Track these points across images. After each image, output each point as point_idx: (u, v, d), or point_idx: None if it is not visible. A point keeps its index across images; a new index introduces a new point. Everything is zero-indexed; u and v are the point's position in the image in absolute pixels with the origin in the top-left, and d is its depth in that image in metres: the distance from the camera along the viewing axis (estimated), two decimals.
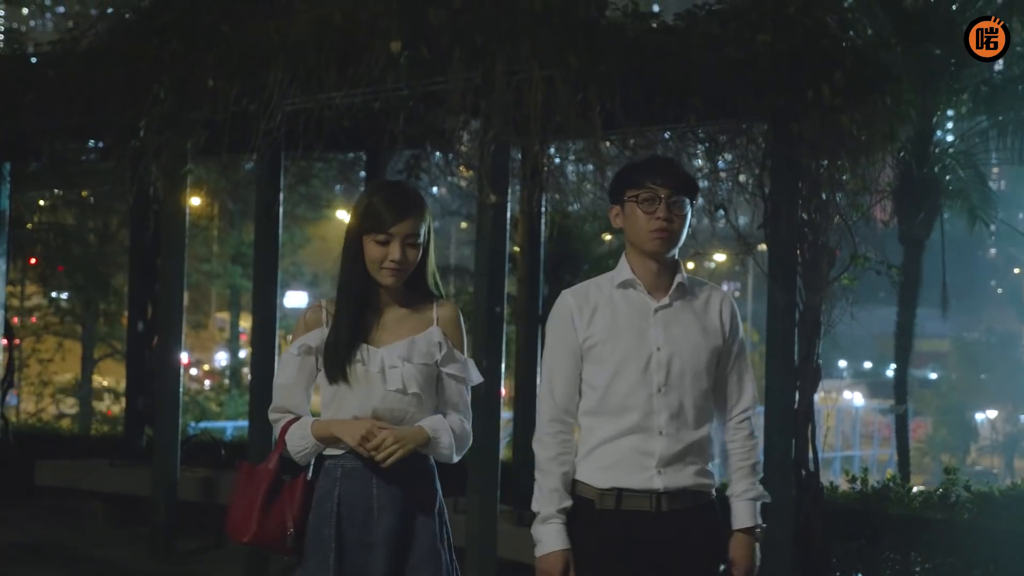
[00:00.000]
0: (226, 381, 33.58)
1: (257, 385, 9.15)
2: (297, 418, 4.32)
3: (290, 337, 4.49)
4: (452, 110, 7.90)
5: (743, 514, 4.33)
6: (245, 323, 30.55)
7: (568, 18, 7.62)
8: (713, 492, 4.30)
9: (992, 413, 50.47)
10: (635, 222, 4.23)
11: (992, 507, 8.51)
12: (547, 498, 4.23)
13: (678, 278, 4.29)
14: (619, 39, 7.68)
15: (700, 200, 4.54)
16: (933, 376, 53.78)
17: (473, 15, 7.62)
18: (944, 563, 7.94)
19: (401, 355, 4.27)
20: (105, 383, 26.46)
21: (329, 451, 4.27)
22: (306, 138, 8.44)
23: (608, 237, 21.91)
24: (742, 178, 8.46)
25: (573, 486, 4.25)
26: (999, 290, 61.24)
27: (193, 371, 40.46)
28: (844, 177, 7.80)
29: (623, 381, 4.21)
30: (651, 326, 4.24)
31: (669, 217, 4.19)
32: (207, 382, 38.36)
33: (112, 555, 9.96)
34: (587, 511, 4.22)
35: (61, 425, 18.27)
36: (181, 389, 9.90)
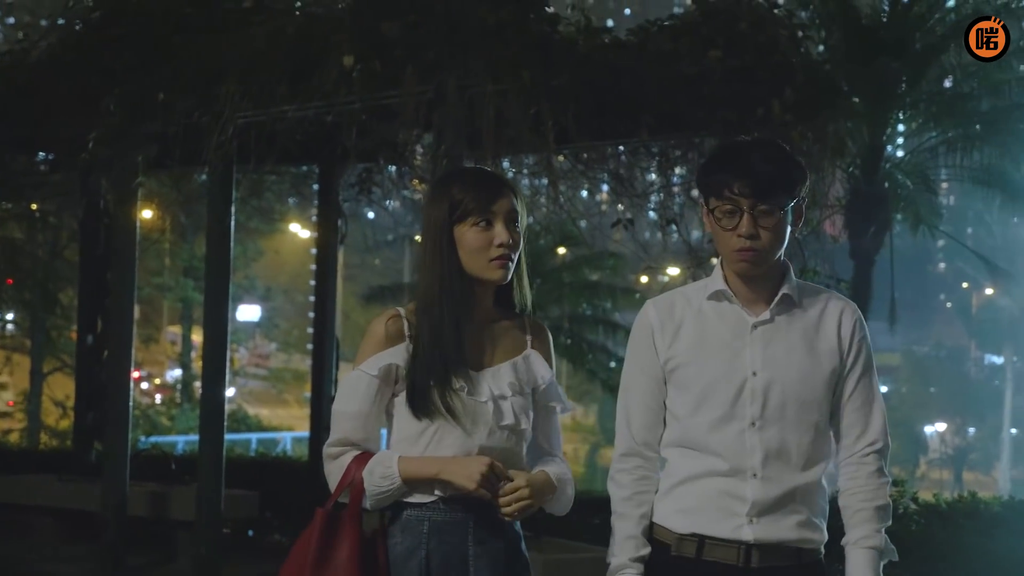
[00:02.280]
0: (177, 395, 33.41)
1: (208, 399, 9.10)
2: (365, 453, 3.50)
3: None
4: (405, 124, 7.90)
5: (861, 566, 3.49)
6: (197, 337, 30.42)
7: (521, 33, 7.64)
8: (821, 550, 3.54)
9: (941, 426, 50.86)
10: (718, 237, 3.49)
11: (939, 519, 8.58)
12: (621, 546, 3.53)
13: (784, 288, 3.51)
14: (572, 54, 7.71)
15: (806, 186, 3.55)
16: (883, 389, 53.90)
17: (426, 29, 7.62)
18: (892, 574, 7.99)
19: (510, 382, 3.51)
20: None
21: (412, 498, 3.46)
22: (258, 151, 8.41)
23: (562, 251, 21.97)
24: (695, 193, 8.50)
25: (650, 529, 3.56)
26: (948, 304, 61.65)
27: (144, 385, 40.21)
28: None
29: (708, 412, 3.47)
30: (747, 346, 3.49)
31: (754, 232, 3.41)
32: (158, 396, 38.15)
33: (61, 571, 9.87)
34: (662, 558, 3.52)
35: (9, 440, 18.12)
36: (131, 403, 9.82)
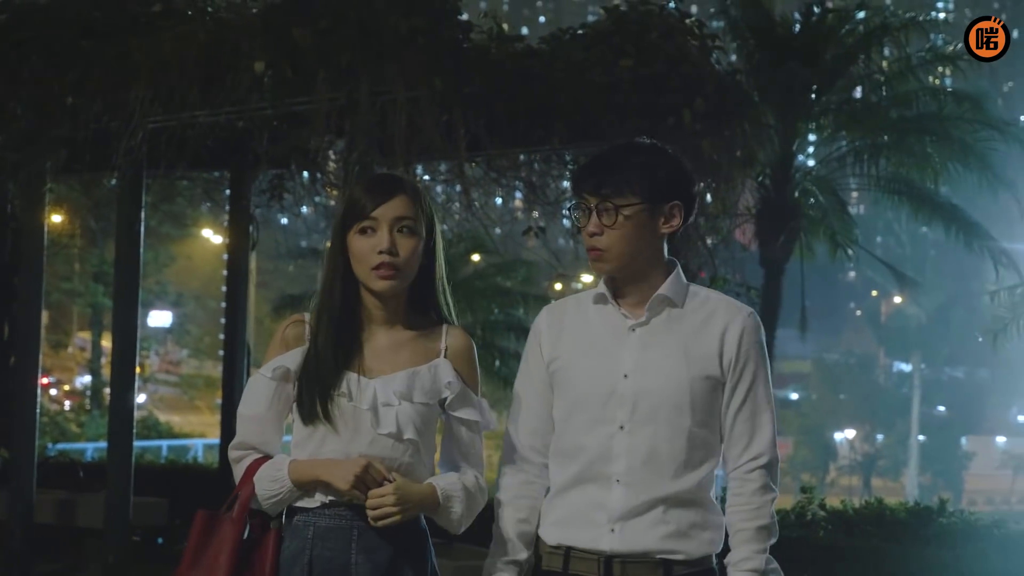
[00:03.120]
0: (87, 402, 33.04)
1: (117, 406, 9.02)
2: (265, 457, 3.46)
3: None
4: (316, 130, 7.88)
5: None
6: (107, 343, 30.10)
7: (433, 40, 7.65)
8: (710, 561, 3.41)
9: (851, 433, 51.48)
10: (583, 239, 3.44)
11: (846, 525, 8.69)
12: (496, 548, 3.48)
13: (662, 289, 3.39)
14: (483, 62, 7.74)
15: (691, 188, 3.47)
16: (794, 396, 54.72)
17: (338, 36, 7.61)
18: None
19: (398, 390, 3.39)
20: None
21: (301, 502, 3.41)
22: (169, 156, 8.35)
23: (476, 258, 21.99)
24: None
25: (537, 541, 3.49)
26: (858, 312, 62.44)
27: (53, 391, 39.73)
28: (706, 200, 7.94)
29: (580, 415, 3.40)
30: (623, 348, 3.39)
31: (599, 229, 3.35)
32: (67, 402, 37.71)
33: None
34: (536, 572, 3.47)
35: None
36: (39, 410, 9.71)
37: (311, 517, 3.40)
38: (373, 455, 3.36)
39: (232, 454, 3.50)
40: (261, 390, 3.45)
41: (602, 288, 3.44)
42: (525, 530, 3.47)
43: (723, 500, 3.47)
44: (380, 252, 3.35)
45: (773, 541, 3.38)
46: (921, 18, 15.68)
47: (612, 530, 3.33)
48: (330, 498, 3.38)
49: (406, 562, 3.41)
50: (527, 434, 3.51)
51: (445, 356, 3.47)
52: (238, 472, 3.48)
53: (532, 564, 3.49)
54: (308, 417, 3.39)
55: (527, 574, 3.50)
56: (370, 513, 3.32)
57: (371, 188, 3.43)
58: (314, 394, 3.38)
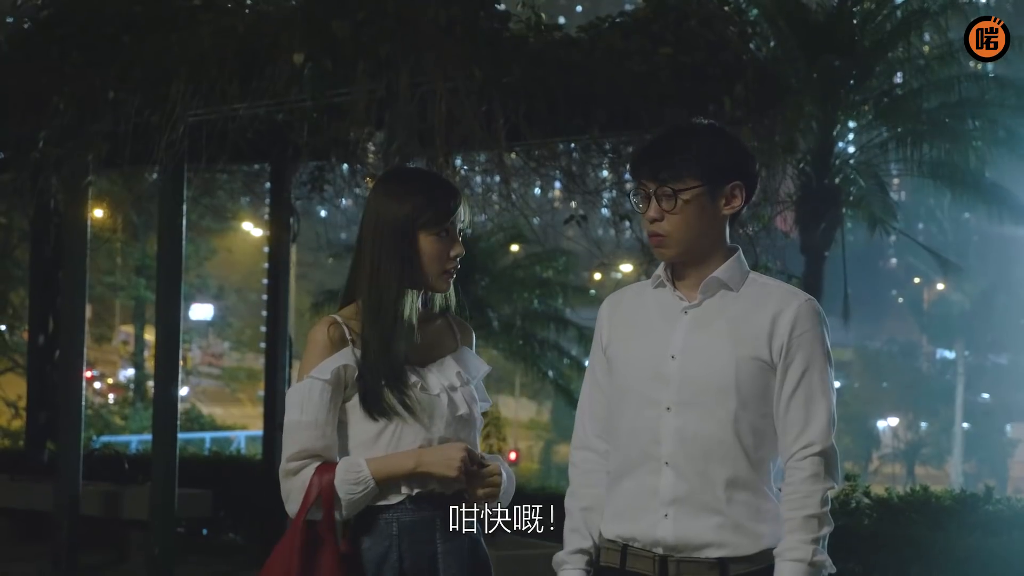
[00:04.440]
0: (130, 394, 33.20)
1: (161, 398, 9.07)
2: (328, 463, 3.37)
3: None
4: (356, 122, 7.89)
5: None
6: (150, 336, 30.21)
7: (472, 30, 7.65)
8: (770, 557, 3.25)
9: (893, 421, 51.19)
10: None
11: (891, 513, 8.65)
12: (566, 539, 3.44)
13: (717, 271, 3.32)
14: (522, 51, 7.73)
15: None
16: (836, 384, 54.32)
17: (376, 27, 7.62)
18: (845, 568, 8.02)
19: (458, 372, 3.48)
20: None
21: (380, 500, 3.39)
22: (209, 150, 8.39)
23: (515, 248, 21.97)
24: None
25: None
26: (900, 300, 62.03)
27: (97, 384, 39.94)
28: None
29: (629, 397, 3.34)
30: (674, 330, 3.32)
31: (659, 215, 3.29)
32: (111, 395, 37.90)
33: (13, 571, 9.82)
34: (596, 567, 3.42)
35: None
36: (84, 403, 9.78)
37: (394, 513, 3.39)
38: (449, 438, 3.41)
39: (289, 466, 3.37)
40: (318, 394, 3.36)
41: (661, 271, 3.39)
42: (591, 518, 3.42)
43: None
44: (454, 256, 3.43)
45: (825, 532, 3.26)
46: (961, 0, 15.51)
47: (666, 515, 3.25)
48: (416, 490, 3.39)
49: (477, 544, 3.49)
50: (591, 420, 3.46)
51: (462, 343, 3.57)
52: (297, 484, 3.36)
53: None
54: (382, 411, 3.36)
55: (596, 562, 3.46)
56: (482, 492, 3.39)
57: (447, 191, 3.47)
58: (382, 388, 3.36)
